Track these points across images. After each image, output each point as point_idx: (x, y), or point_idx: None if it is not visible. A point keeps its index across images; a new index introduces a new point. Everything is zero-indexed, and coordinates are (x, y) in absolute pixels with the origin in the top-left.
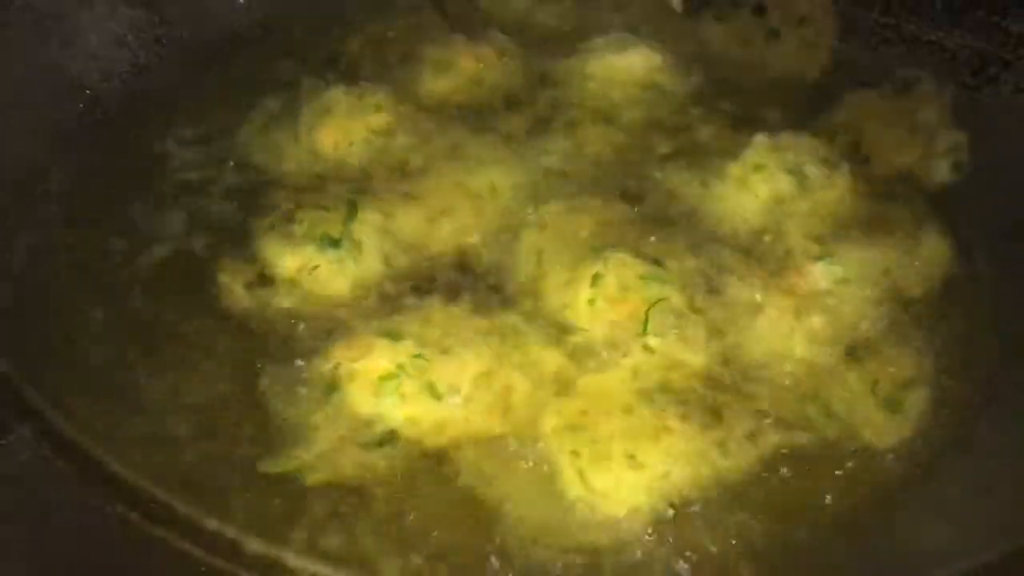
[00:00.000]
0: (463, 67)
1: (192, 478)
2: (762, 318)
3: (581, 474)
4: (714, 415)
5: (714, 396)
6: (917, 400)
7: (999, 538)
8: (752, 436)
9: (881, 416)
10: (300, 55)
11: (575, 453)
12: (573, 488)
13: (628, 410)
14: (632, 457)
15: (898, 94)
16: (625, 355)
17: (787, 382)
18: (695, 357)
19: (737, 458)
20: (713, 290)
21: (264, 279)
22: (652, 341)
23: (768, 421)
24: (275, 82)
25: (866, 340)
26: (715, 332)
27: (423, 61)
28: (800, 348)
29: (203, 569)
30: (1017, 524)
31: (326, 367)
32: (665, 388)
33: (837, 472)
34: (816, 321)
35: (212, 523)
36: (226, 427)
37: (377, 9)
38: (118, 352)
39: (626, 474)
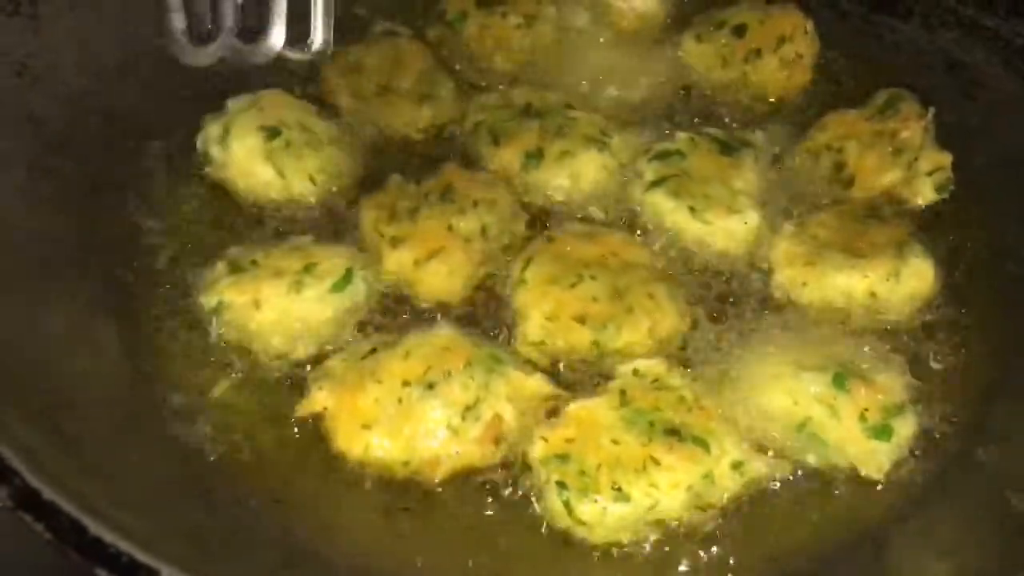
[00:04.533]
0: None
1: None
2: (750, 346)
3: (568, 505)
4: (701, 444)
5: (701, 424)
6: (906, 428)
7: (990, 572)
8: (739, 466)
9: (871, 445)
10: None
11: (562, 484)
12: (560, 520)
13: (615, 438)
14: (619, 489)
15: (881, 114)
16: (611, 378)
17: (775, 411)
18: (681, 382)
19: (724, 488)
20: (699, 317)
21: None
22: (640, 365)
23: (756, 451)
24: None
25: (854, 367)
26: (702, 360)
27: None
28: (788, 376)
29: None
30: (1008, 558)
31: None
32: (652, 415)
33: (826, 503)
34: (803, 348)
35: None
36: None
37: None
38: None
39: (612, 506)
